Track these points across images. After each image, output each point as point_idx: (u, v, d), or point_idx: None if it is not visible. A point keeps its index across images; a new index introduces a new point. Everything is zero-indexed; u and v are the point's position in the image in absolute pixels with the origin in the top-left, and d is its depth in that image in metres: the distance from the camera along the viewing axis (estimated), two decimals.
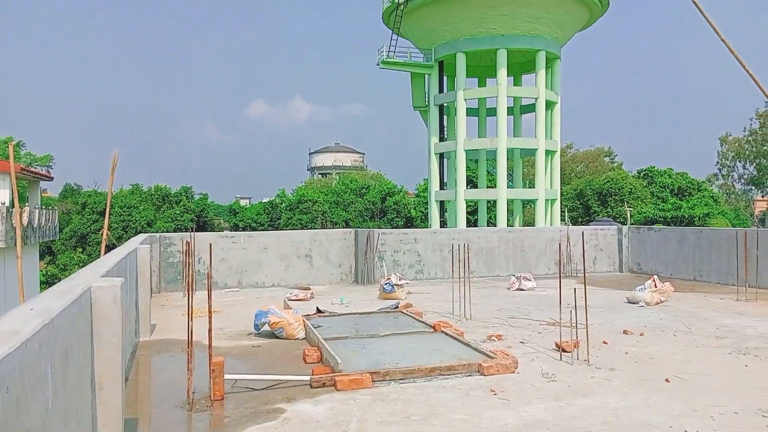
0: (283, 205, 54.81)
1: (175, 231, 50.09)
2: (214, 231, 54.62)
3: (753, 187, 55.94)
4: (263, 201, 62.31)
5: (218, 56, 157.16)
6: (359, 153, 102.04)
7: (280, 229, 51.90)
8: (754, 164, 54.44)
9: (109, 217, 49.13)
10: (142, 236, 14.07)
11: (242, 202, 72.72)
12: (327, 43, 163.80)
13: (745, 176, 55.50)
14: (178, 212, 51.58)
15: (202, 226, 53.50)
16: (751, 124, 54.67)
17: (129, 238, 48.89)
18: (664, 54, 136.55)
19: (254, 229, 53.30)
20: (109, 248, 43.04)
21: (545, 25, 38.17)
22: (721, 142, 56.07)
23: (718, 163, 56.39)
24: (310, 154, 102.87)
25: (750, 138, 54.24)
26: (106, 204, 18.98)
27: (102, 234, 20.20)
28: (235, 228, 55.03)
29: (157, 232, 48.34)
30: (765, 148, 53.60)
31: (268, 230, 52.62)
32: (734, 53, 16.00)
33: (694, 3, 16.12)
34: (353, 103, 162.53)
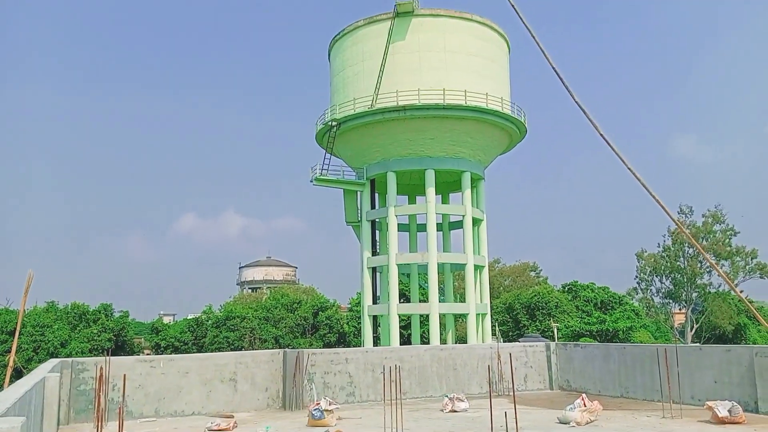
0: (210, 322, 52.76)
1: (90, 352, 46.85)
2: (134, 351, 51.51)
3: (671, 301, 58.89)
4: (188, 318, 59.88)
5: (149, 168, 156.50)
6: (291, 267, 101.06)
7: (205, 348, 49.55)
8: (670, 279, 57.64)
9: (19, 338, 45.69)
10: (52, 362, 13.11)
11: (166, 320, 69.48)
12: (262, 157, 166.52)
13: (662, 290, 58.50)
14: (95, 332, 48.61)
15: (121, 346, 50.39)
16: (664, 241, 58.31)
17: (39, 360, 45.37)
18: (580, 175, 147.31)
19: (177, 349, 50.64)
20: (17, 372, 39.47)
21: (469, 148, 40.19)
22: (638, 257, 59.38)
23: (636, 277, 59.34)
24: (240, 268, 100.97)
25: (664, 254, 57.75)
26: (16, 324, 17.69)
27: (8, 359, 18.65)
28: (157, 347, 52.13)
29: (70, 354, 45.71)
30: (678, 263, 57.17)
31: (192, 350, 50.16)
32: (642, 182, 17.38)
33: (604, 138, 17.53)
34: (286, 217, 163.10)
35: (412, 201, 45.16)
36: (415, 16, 38.61)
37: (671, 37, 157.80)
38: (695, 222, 57.34)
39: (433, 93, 37.42)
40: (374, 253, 42.06)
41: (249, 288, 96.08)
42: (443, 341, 43.97)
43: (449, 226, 45.42)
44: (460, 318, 49.91)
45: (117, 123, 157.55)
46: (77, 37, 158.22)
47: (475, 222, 41.89)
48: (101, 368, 7.42)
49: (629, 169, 17.43)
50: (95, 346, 47.31)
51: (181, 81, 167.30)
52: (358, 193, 42.31)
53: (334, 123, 39.84)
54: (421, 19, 38.77)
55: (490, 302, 45.49)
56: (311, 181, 40.89)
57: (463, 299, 44.02)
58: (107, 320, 49.94)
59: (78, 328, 49.30)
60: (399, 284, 42.85)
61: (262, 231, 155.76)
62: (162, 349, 51.29)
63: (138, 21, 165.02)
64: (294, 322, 52.75)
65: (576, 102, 19.49)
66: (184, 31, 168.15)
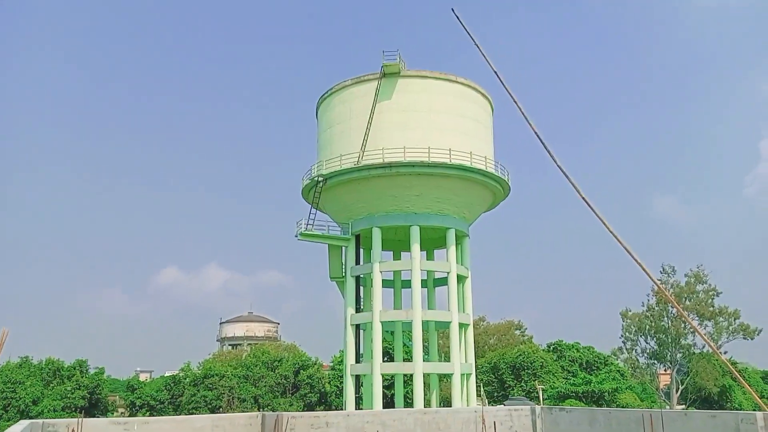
0: (187, 380, 51.30)
1: (63, 410, 45.20)
2: (108, 410, 49.82)
3: (656, 362, 58.41)
4: (165, 375, 58.26)
5: (130, 220, 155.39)
6: (273, 323, 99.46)
7: (182, 408, 48.02)
8: (655, 339, 57.31)
9: None
10: (22, 424, 12.58)
11: (142, 377, 67.53)
12: (247, 212, 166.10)
13: (648, 350, 58.10)
14: (69, 389, 47.04)
15: (95, 404, 48.77)
16: (648, 300, 58.25)
17: (9, 419, 43.55)
18: (564, 233, 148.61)
19: (152, 408, 49.03)
20: None
21: (454, 205, 40.09)
22: (622, 317, 59.23)
23: (622, 336, 59.02)
24: (221, 323, 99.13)
25: (648, 313, 57.58)
26: None
27: None
28: (132, 406, 50.45)
29: (42, 412, 43.97)
30: (662, 323, 57.00)
31: (168, 409, 48.57)
32: (623, 244, 17.57)
33: (585, 201, 17.83)
34: (270, 272, 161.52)
35: (397, 257, 44.69)
36: (401, 77, 39.35)
37: (653, 97, 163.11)
38: (678, 282, 57.53)
39: (418, 151, 37.75)
40: (358, 309, 41.52)
41: (229, 344, 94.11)
42: (427, 402, 43.10)
43: (434, 282, 45.22)
44: (444, 378, 49.07)
45: (96, 171, 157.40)
46: (52, 90, 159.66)
47: (460, 279, 41.75)
48: (73, 430, 7.14)
49: (611, 231, 17.68)
50: (68, 404, 45.75)
51: (166, 132, 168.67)
52: (343, 248, 42.01)
53: (320, 178, 39.93)
54: (408, 80, 39.50)
55: (475, 361, 44.87)
56: (296, 236, 40.43)
57: (447, 358, 43.28)
58: (82, 377, 48.46)
59: (51, 385, 47.74)
60: (383, 342, 42.18)
61: (245, 285, 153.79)
62: (137, 408, 49.65)
63: (125, 72, 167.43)
64: (274, 380, 51.52)
65: (558, 165, 19.93)
66: (170, 82, 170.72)
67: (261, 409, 47.81)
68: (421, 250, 40.59)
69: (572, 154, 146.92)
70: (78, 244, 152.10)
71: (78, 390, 47.08)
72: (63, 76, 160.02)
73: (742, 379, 11.94)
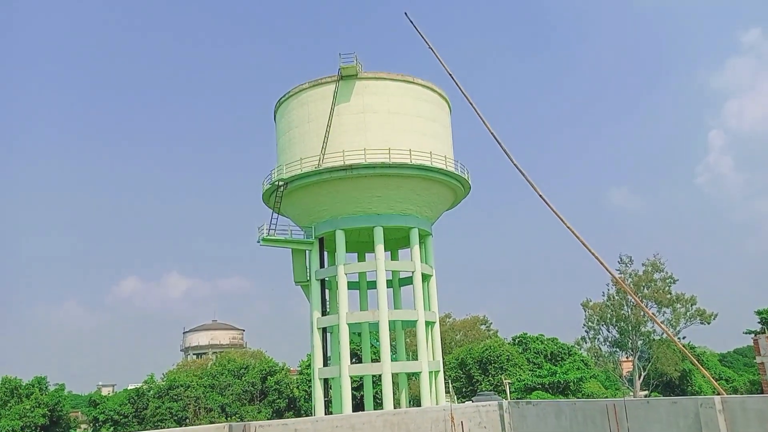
0: (151, 392, 50.23)
1: (23, 430, 43.85)
2: (70, 427, 48.45)
3: (618, 349, 59.92)
4: (129, 388, 56.96)
5: (87, 229, 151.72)
6: (238, 330, 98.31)
7: (147, 422, 46.98)
8: (617, 327, 58.73)
9: None
10: None
11: (104, 391, 65.85)
12: (207, 218, 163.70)
13: (609, 339, 59.55)
14: (28, 408, 45.49)
15: (56, 422, 47.35)
16: (608, 290, 59.63)
17: None
18: (524, 227, 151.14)
19: (116, 423, 47.83)
20: None
21: (416, 205, 40.36)
22: (583, 307, 60.55)
23: (584, 326, 60.32)
24: (184, 333, 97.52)
25: (609, 303, 59.00)
26: None
27: None
28: (95, 422, 49.13)
29: None
30: (623, 312, 58.51)
31: (133, 423, 47.46)
32: (579, 238, 17.88)
33: (542, 198, 18.13)
34: (233, 278, 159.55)
35: (361, 258, 45.04)
36: (359, 79, 39.40)
37: (603, 90, 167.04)
38: (636, 271, 59.17)
39: (378, 152, 38.00)
40: (324, 312, 41.40)
41: (194, 354, 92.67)
42: (397, 402, 43.13)
43: (399, 282, 45.39)
44: (413, 377, 49.27)
45: (51, 182, 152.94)
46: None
47: (425, 278, 42.02)
48: None
49: (567, 226, 17.99)
50: (28, 423, 44.34)
51: (120, 138, 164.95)
52: (307, 252, 41.90)
53: (281, 183, 39.77)
54: (365, 82, 39.58)
55: (443, 358, 45.25)
56: (258, 242, 40.27)
57: (415, 357, 43.50)
58: (41, 394, 47.03)
59: (9, 405, 46.13)
60: (350, 344, 42.17)
61: (208, 293, 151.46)
62: (100, 423, 48.38)
63: (69, 75, 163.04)
64: (241, 388, 50.88)
65: (514, 163, 20.34)
66: (122, 88, 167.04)
67: (228, 418, 47.18)
68: (385, 251, 41.03)
69: (528, 150, 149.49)
70: (29, 253, 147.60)
71: (38, 408, 45.63)
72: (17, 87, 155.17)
73: (699, 365, 12.35)
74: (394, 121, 39.43)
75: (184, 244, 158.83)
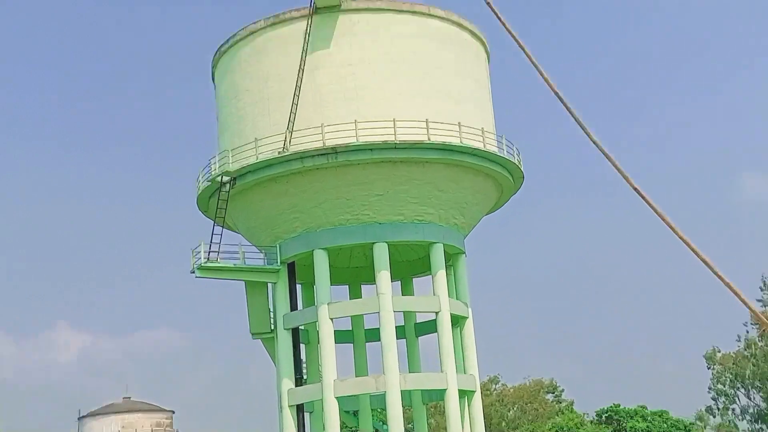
0: None
1: None
2: None
3: (765, 426, 57.85)
4: None
5: None
6: (165, 411, 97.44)
7: None
8: (761, 391, 56.47)
9: None
10: None
11: None
12: (112, 237, 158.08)
13: (752, 409, 57.57)
14: None
15: None
16: (747, 333, 58.18)
17: None
18: (604, 237, 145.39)
19: None
20: None
21: (439, 207, 39.84)
22: (707, 361, 59.15)
23: (710, 391, 58.93)
24: (80, 418, 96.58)
25: (749, 354, 57.16)
26: None
27: None
28: None
29: None
30: None
31: None
32: (696, 252, 17.15)
33: (635, 189, 17.59)
34: (154, 331, 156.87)
35: (355, 294, 44.91)
36: (343, 12, 39.02)
37: (722, 22, 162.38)
38: None
39: (377, 126, 37.42)
40: (299, 381, 40.90)
41: None
42: None
43: (416, 330, 45.10)
44: None
45: None
46: None
47: (456, 320, 41.49)
48: None
49: (676, 233, 17.20)
50: None
51: None
52: (270, 286, 41.42)
53: (225, 179, 39.24)
54: (354, 17, 39.28)
55: None
56: (193, 272, 39.99)
57: None
58: None
59: None
60: (342, 428, 41.65)
61: (116, 355, 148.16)
62: None
63: None
64: None
65: (593, 140, 19.42)
66: None
67: None
68: (393, 281, 40.72)
69: (608, 117, 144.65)
70: None
71: None
72: None
73: None
74: (401, 76, 39.00)
75: (76, 280, 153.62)
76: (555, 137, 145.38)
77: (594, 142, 19.27)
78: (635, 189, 17.94)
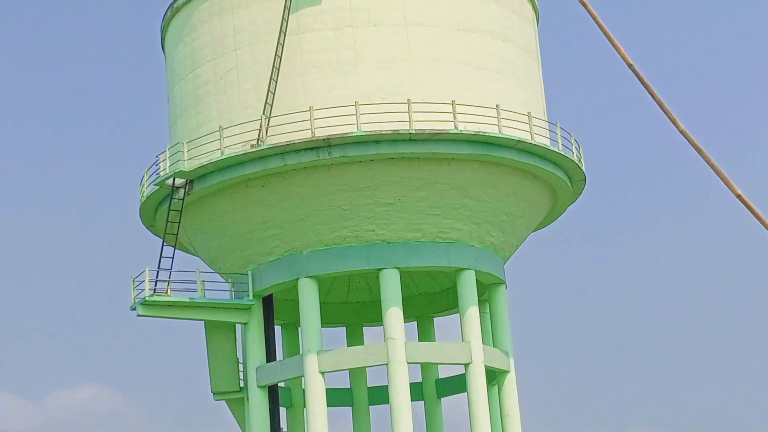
0: None
1: None
2: None
3: None
4: None
5: None
6: None
7: None
8: None
9: None
10: None
11: None
12: (22, 263, 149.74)
13: None
14: None
15: None
16: None
17: None
18: (696, 271, 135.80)
19: None
20: None
21: (470, 221, 37.94)
22: None
23: None
24: None
25: None
26: None
27: None
28: None
29: None
30: None
31: None
32: None
33: (754, 214, 12.91)
34: (83, 388, 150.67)
35: (354, 339, 43.76)
36: None
37: None
38: None
39: (387, 111, 35.78)
40: None
41: None
42: None
43: (438, 388, 43.60)
44: None
45: None
46: None
47: (493, 376, 40.11)
48: None
49: None
50: None
51: None
52: (238, 328, 39.85)
53: (178, 182, 37.49)
54: None
55: None
56: (133, 308, 38.08)
57: None
58: None
59: None
60: None
61: (32, 424, 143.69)
62: None
63: None
64: None
65: (680, 130, 15.61)
66: None
67: None
68: (406, 321, 39.03)
69: (699, 97, 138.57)
70: None
71: None
72: None
73: None
74: (417, 41, 37.06)
75: None
76: (626, 127, 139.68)
77: (686, 137, 16.77)
78: (739, 197, 13.23)
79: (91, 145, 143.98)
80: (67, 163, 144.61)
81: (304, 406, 38.61)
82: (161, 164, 38.38)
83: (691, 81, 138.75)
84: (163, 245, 38.35)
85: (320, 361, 37.22)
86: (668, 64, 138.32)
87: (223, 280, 40.10)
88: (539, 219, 41.75)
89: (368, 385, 43.28)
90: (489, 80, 37.42)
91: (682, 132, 17.09)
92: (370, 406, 43.47)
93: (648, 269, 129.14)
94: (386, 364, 37.06)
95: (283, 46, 36.08)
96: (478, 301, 38.69)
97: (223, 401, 40.29)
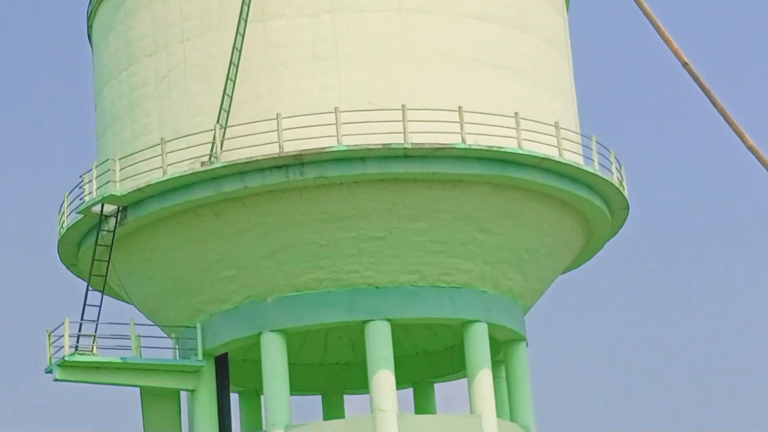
0: None
1: None
2: None
3: None
4: None
5: None
6: None
7: None
8: None
9: None
10: None
11: None
12: None
13: None
14: None
15: None
16: None
17: None
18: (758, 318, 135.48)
19: None
20: None
21: (482, 260, 37.27)
22: None
23: None
24: None
25: None
26: None
27: None
28: None
29: None
30: None
31: None
32: None
33: None
34: None
35: (333, 411, 43.67)
36: None
37: None
38: None
39: (375, 120, 34.86)
40: None
41: None
42: None
43: None
44: None
45: None
46: None
47: None
48: None
49: None
50: None
51: None
52: (183, 396, 39.05)
53: (108, 209, 36.69)
54: None
55: None
56: (49, 371, 37.12)
57: None
58: None
59: None
60: None
61: None
62: None
63: None
64: None
65: (743, 140, 17.27)
66: None
67: None
68: (399, 388, 38.59)
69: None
70: None
71: None
72: None
73: None
74: (415, 32, 36.65)
75: None
76: (679, 143, 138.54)
77: (755, 154, 16.56)
78: None
79: None
80: None
81: None
82: (86, 187, 37.59)
83: (761, 86, 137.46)
84: (87, 290, 37.73)
85: None
86: (733, 64, 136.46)
87: (165, 336, 39.09)
88: (570, 258, 41.14)
89: None
90: (506, 82, 36.93)
91: (750, 148, 16.83)
92: None
93: (708, 317, 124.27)
94: None
95: (243, 37, 35.66)
96: (492, 362, 37.79)
97: None
